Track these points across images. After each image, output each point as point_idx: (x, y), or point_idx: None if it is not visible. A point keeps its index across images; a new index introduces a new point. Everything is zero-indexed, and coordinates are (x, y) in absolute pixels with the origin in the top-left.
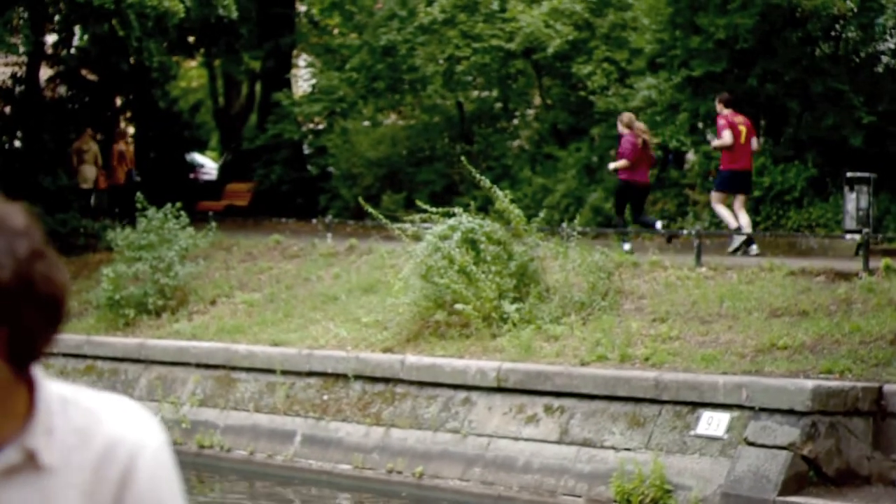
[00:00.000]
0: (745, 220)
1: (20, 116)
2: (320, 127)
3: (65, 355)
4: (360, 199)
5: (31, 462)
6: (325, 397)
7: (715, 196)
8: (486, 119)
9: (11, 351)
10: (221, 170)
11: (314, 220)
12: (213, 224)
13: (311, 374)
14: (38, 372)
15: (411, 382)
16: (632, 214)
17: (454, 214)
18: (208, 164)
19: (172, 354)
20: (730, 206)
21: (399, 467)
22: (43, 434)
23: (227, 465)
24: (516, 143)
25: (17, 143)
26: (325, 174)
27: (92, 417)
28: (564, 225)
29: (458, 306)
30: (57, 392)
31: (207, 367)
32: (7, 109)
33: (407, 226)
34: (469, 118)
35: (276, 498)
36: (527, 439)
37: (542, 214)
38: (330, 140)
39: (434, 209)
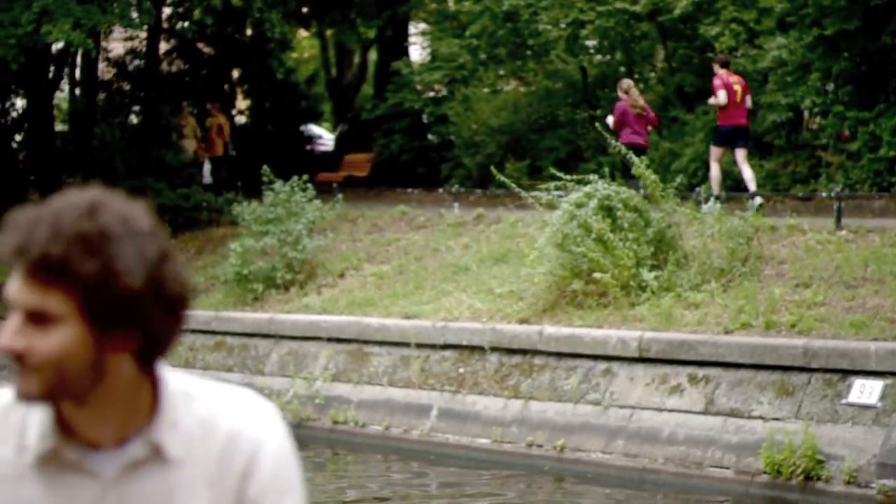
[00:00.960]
0: (748, 174)
1: (139, 91)
2: (440, 95)
3: (193, 331)
4: (493, 169)
5: (156, 455)
6: (461, 370)
7: (713, 151)
8: (609, 83)
9: (141, 351)
10: (338, 140)
11: (440, 190)
12: (340, 196)
13: (446, 346)
14: (161, 365)
15: (550, 354)
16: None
17: (589, 181)
18: (325, 136)
19: (303, 329)
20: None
21: (539, 441)
22: (168, 427)
23: (362, 441)
24: None
25: (134, 119)
26: (446, 143)
27: (214, 410)
28: (699, 189)
29: (597, 275)
30: (179, 385)
31: (339, 341)
32: (125, 85)
33: (541, 194)
34: (592, 83)
35: (412, 473)
36: (671, 410)
37: (679, 179)
38: (451, 108)
39: (568, 176)
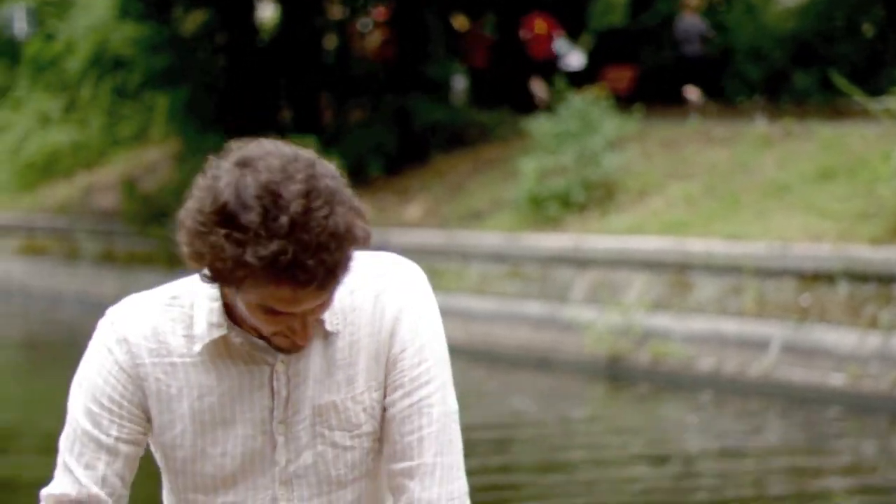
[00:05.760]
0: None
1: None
2: (715, 1)
3: (484, 257)
4: (833, 74)
5: (318, 331)
6: (805, 299)
7: (532, 79)
8: None
9: None
10: (592, 54)
11: (737, 102)
12: (637, 108)
13: (784, 272)
14: None
15: None
16: None
17: None
18: (571, 48)
19: (613, 254)
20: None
21: None
22: None
23: (690, 378)
24: None
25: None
26: (723, 53)
27: (363, 277)
28: None
29: None
30: None
31: (655, 266)
32: None
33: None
34: None
35: (750, 415)
36: None
37: None
38: (730, 15)
39: None
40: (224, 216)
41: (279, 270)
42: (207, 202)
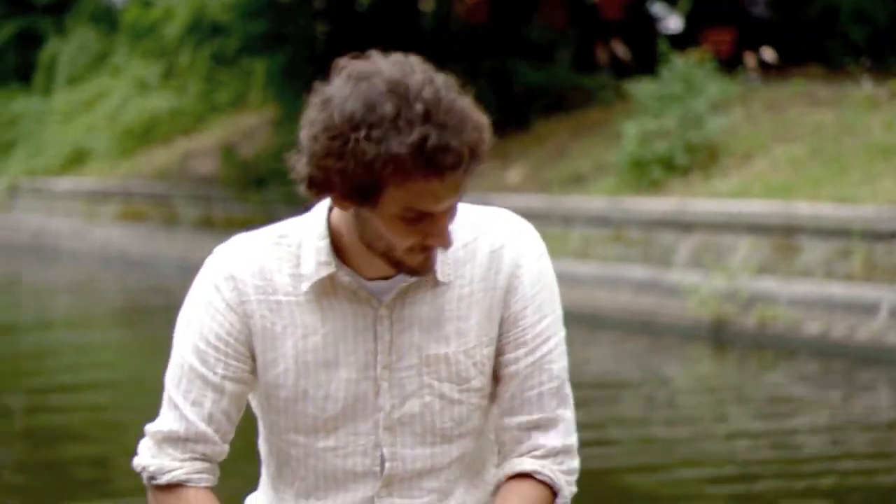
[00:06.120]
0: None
1: None
2: None
3: (586, 221)
4: None
5: (428, 279)
6: None
7: (612, 40)
8: None
9: None
10: (689, 17)
11: (845, 64)
12: (747, 69)
13: (894, 235)
14: None
15: None
16: None
17: None
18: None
19: (718, 217)
20: None
21: None
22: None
23: (797, 343)
24: None
25: None
26: (824, 14)
27: (477, 231)
28: None
29: None
30: None
31: (761, 230)
32: None
33: None
34: None
35: (857, 380)
36: None
37: None
38: None
39: None
40: (357, 120)
41: (427, 156)
42: (334, 116)
